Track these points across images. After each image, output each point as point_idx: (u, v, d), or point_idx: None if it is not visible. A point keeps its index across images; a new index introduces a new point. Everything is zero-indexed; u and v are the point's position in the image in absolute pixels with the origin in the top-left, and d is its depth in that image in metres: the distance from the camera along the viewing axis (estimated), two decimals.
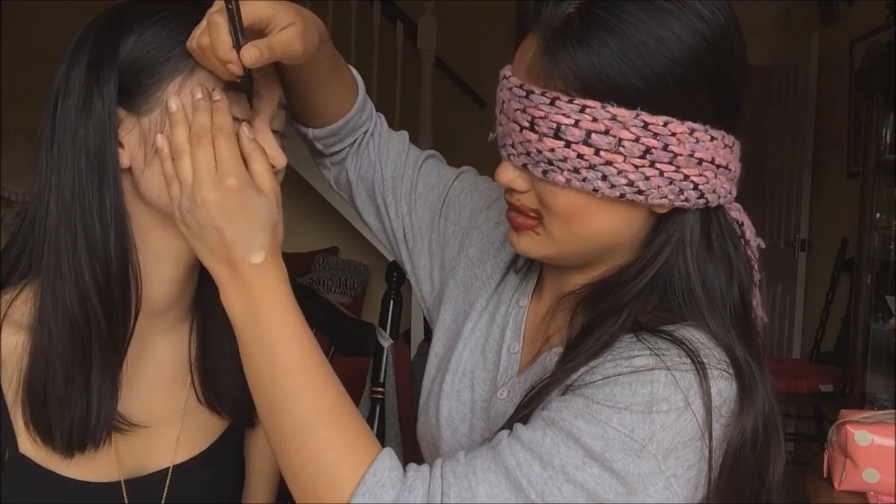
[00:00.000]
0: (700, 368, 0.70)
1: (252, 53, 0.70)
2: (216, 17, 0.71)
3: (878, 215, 3.00)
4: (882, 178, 2.96)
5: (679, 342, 0.71)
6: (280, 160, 0.79)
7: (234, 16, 0.70)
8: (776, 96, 4.38)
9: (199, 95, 0.74)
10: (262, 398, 0.72)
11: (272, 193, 0.74)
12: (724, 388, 0.71)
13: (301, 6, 0.79)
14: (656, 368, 0.69)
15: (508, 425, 0.74)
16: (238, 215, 0.71)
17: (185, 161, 0.72)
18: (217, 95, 0.74)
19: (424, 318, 1.72)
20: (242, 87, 0.76)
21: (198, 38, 0.73)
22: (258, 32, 0.73)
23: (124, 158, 0.77)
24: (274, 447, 0.72)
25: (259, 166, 0.74)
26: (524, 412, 0.74)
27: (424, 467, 0.70)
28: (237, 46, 0.71)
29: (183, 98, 0.75)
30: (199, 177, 0.71)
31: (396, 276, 1.68)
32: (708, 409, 0.69)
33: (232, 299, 0.72)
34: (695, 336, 0.73)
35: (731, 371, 0.71)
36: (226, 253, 0.71)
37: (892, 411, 1.63)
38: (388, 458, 0.69)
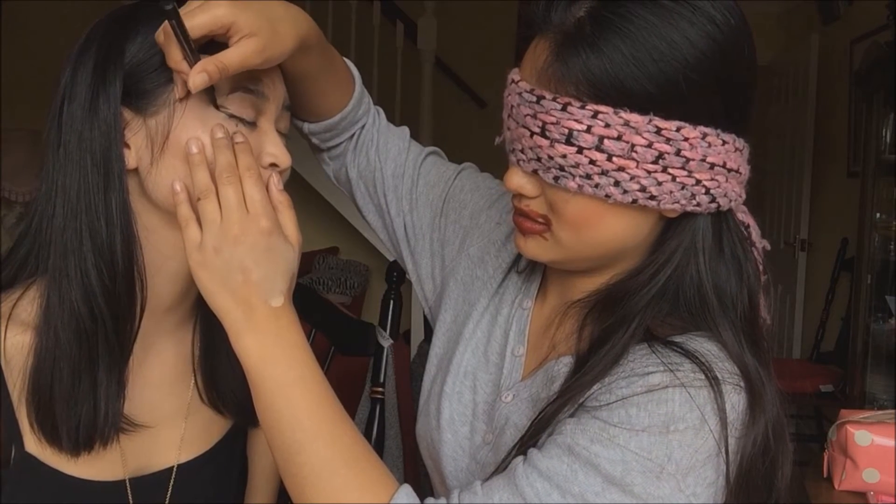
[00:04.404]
0: (714, 384, 0.69)
1: (200, 80, 0.70)
2: (168, 27, 0.70)
3: (878, 215, 3.00)
4: (882, 178, 2.95)
5: (692, 355, 0.71)
6: (285, 160, 0.80)
7: (177, 32, 0.69)
8: (776, 96, 4.38)
9: (219, 135, 0.75)
10: (280, 442, 0.72)
11: (297, 245, 0.75)
12: (736, 402, 0.70)
13: (287, 3, 0.77)
14: (671, 386, 0.69)
15: (521, 448, 0.74)
16: (265, 257, 0.72)
17: (212, 200, 0.73)
18: (239, 138, 0.75)
19: (425, 318, 1.71)
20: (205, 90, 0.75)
21: (158, 34, 0.73)
22: (222, 38, 0.72)
23: (130, 159, 0.78)
24: (293, 491, 0.72)
25: (287, 219, 0.76)
26: (538, 435, 0.74)
27: (441, 501, 0.71)
28: (188, 59, 0.71)
29: (203, 139, 0.75)
30: (230, 215, 0.72)
31: (396, 276, 1.68)
32: (724, 424, 0.69)
33: (246, 343, 0.72)
34: (706, 348, 0.72)
35: (742, 384, 0.71)
36: (247, 295, 0.72)
37: (892, 411, 1.62)
38: (405, 495, 0.70)
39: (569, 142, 0.69)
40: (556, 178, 0.72)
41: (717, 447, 0.69)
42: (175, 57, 0.72)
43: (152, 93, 0.76)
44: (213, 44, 0.73)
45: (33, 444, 0.80)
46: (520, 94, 0.73)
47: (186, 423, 0.90)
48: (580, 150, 0.69)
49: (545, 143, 0.71)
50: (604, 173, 0.70)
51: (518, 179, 0.76)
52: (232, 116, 0.77)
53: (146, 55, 0.76)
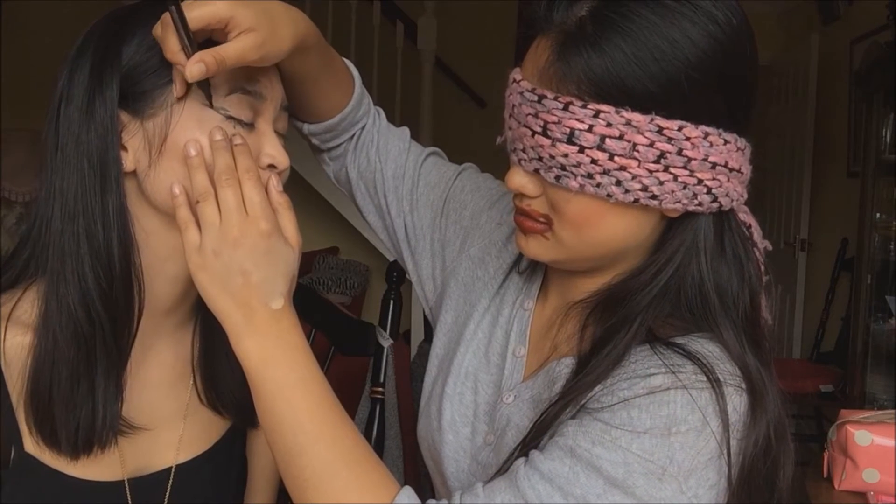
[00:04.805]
0: (716, 385, 0.69)
1: (197, 70, 0.70)
2: (168, 17, 0.70)
3: (878, 215, 3.00)
4: (882, 178, 2.96)
5: (694, 357, 0.71)
6: (283, 161, 0.79)
7: (177, 22, 0.69)
8: (776, 96, 4.38)
9: (218, 137, 0.75)
10: (281, 444, 0.72)
11: (297, 247, 0.75)
12: (738, 403, 0.70)
13: (287, 4, 0.78)
14: (672, 388, 0.69)
15: (522, 449, 0.74)
16: (265, 260, 0.72)
17: (211, 203, 0.72)
18: (238, 140, 0.75)
19: (425, 318, 1.71)
20: (199, 86, 0.75)
21: (155, 28, 0.73)
22: (220, 32, 0.72)
23: (128, 162, 0.77)
24: (295, 493, 0.72)
25: (287, 221, 0.76)
26: (539, 436, 0.74)
27: (443, 502, 0.71)
28: (186, 50, 0.70)
29: (201, 140, 0.75)
30: (229, 217, 0.72)
31: (396, 276, 1.68)
32: (725, 426, 0.69)
33: (247, 345, 0.72)
34: (708, 349, 0.72)
35: (744, 385, 0.71)
36: (247, 297, 0.72)
37: (892, 411, 1.62)
38: (406, 497, 0.70)
39: (570, 141, 0.69)
40: (557, 178, 0.72)
41: (718, 449, 0.69)
42: (172, 48, 0.71)
43: (149, 95, 0.76)
44: (211, 44, 0.73)
45: (32, 444, 0.80)
46: (521, 93, 0.72)
47: (185, 423, 0.90)
48: (582, 150, 0.69)
49: (546, 142, 0.71)
50: (605, 173, 0.70)
51: (519, 179, 0.76)
52: (230, 118, 0.77)
53: (143, 57, 0.76)
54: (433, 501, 0.71)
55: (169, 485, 0.88)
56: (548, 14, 0.72)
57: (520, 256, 0.91)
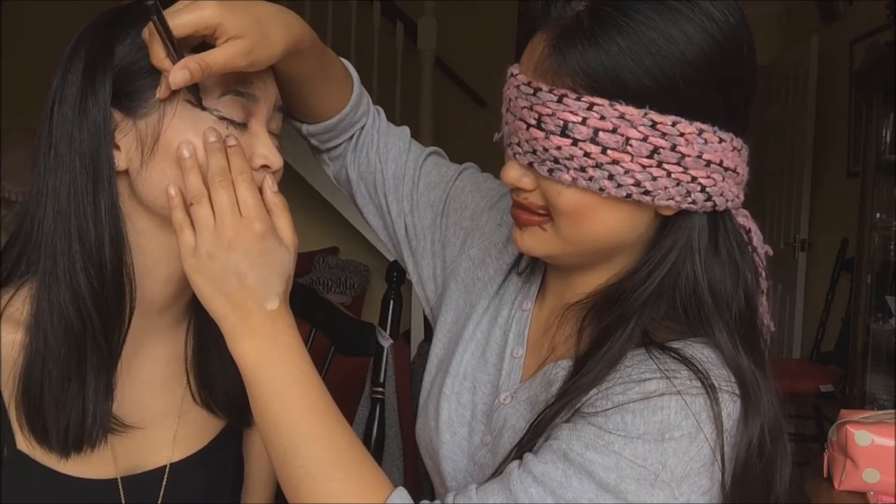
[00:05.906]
0: (710, 391, 0.69)
1: (180, 77, 0.69)
2: (152, 25, 0.70)
3: (878, 215, 3.00)
4: (882, 178, 2.95)
5: (689, 362, 0.71)
6: (277, 162, 0.79)
7: (160, 29, 0.69)
8: (776, 96, 4.38)
9: (211, 139, 0.75)
10: (277, 444, 0.72)
11: (292, 247, 0.75)
12: (732, 410, 0.70)
13: (281, 6, 0.77)
14: (667, 394, 0.69)
15: (517, 452, 0.74)
16: (260, 261, 0.72)
17: (205, 205, 0.72)
18: (231, 141, 0.75)
19: (425, 318, 1.71)
20: (189, 90, 0.74)
21: (143, 31, 0.73)
22: (209, 38, 0.72)
23: (121, 161, 0.77)
24: (290, 493, 0.72)
25: (282, 221, 0.75)
26: (535, 439, 0.74)
27: (437, 503, 0.71)
28: (171, 56, 0.70)
29: (195, 142, 0.75)
30: (223, 219, 0.72)
31: (396, 276, 1.68)
32: (719, 432, 0.69)
33: (243, 347, 0.72)
34: (704, 354, 0.72)
35: (738, 391, 0.71)
36: (243, 298, 0.72)
37: (892, 411, 1.62)
38: (399, 497, 0.70)
39: (564, 133, 0.70)
40: (550, 171, 0.72)
41: (712, 455, 0.69)
42: (158, 55, 0.71)
43: (142, 94, 0.76)
44: (204, 46, 0.73)
45: (24, 442, 0.80)
46: (517, 86, 0.73)
47: (179, 422, 0.90)
48: (575, 142, 0.70)
49: (540, 134, 0.71)
50: (598, 166, 0.70)
51: (514, 173, 0.76)
52: (222, 118, 0.77)
53: (136, 56, 0.76)
54: (426, 502, 0.71)
55: (163, 484, 0.88)
56: (545, 10, 0.72)
57: (519, 257, 0.91)
